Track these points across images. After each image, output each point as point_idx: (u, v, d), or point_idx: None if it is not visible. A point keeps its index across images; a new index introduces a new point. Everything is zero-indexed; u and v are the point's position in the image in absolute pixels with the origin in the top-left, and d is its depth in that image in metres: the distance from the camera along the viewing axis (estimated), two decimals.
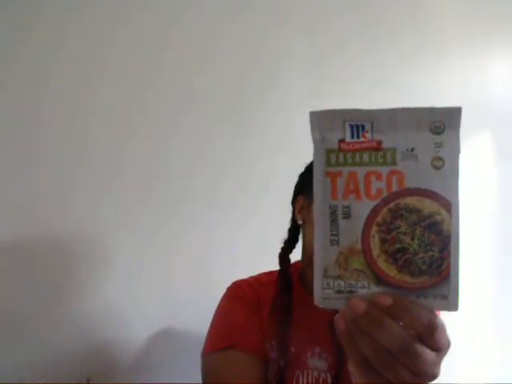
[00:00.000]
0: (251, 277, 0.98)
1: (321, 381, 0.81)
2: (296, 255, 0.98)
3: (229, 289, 0.96)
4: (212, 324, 0.94)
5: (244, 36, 1.41)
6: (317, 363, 0.84)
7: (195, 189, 1.34)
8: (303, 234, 0.94)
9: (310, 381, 0.82)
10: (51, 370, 1.14)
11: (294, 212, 0.96)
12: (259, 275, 0.98)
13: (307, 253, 0.92)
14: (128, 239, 1.25)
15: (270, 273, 0.97)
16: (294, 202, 0.96)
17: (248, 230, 1.38)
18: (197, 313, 1.25)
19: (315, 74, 1.50)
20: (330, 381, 0.81)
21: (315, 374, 0.83)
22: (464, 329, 1.54)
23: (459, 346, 1.53)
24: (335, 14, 1.54)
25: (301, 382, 0.82)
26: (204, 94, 1.36)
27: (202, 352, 0.90)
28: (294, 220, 0.96)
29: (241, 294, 0.92)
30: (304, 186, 0.95)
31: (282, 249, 0.96)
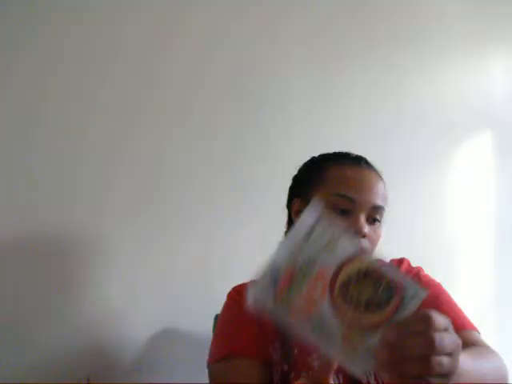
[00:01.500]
0: (252, 280, 0.97)
1: None
2: None
3: (228, 296, 0.96)
4: (214, 334, 0.94)
5: (241, 46, 1.42)
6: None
7: (195, 190, 1.34)
8: None
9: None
10: (51, 370, 1.14)
11: (289, 214, 0.96)
12: None
13: None
14: (127, 240, 1.25)
15: None
16: (289, 205, 0.96)
17: (247, 232, 1.38)
18: (197, 313, 1.25)
19: (314, 77, 1.50)
20: (336, 380, 0.81)
21: None
22: None
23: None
24: (335, 16, 1.55)
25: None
26: (205, 96, 1.36)
27: (207, 362, 0.90)
28: (290, 223, 0.96)
29: (238, 300, 0.92)
30: (298, 188, 0.95)
31: None
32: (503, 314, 1.75)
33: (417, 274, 0.94)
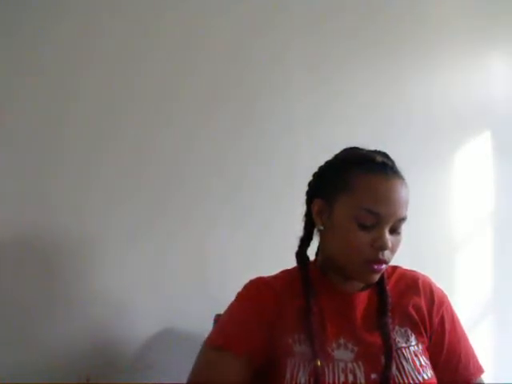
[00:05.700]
0: (273, 275, 0.95)
1: (348, 371, 0.81)
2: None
3: (245, 287, 0.93)
4: (220, 318, 0.94)
5: (240, 31, 1.41)
6: (342, 354, 0.83)
7: (191, 188, 1.34)
8: (323, 238, 0.91)
9: (335, 372, 0.82)
10: (51, 370, 1.14)
11: (308, 212, 0.93)
12: (281, 273, 0.96)
13: (327, 256, 0.91)
14: (126, 239, 1.25)
15: (287, 271, 0.95)
16: (309, 203, 0.93)
17: (245, 231, 1.38)
18: (196, 313, 1.25)
19: (314, 73, 1.50)
20: (357, 370, 0.82)
21: (341, 364, 0.82)
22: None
23: None
24: (335, 11, 1.54)
25: (327, 372, 0.81)
26: (200, 92, 1.36)
27: (204, 340, 0.90)
28: (308, 218, 0.94)
29: (254, 295, 0.90)
30: (320, 188, 0.92)
31: (300, 246, 0.94)
32: (502, 314, 1.75)
33: (441, 304, 0.93)
